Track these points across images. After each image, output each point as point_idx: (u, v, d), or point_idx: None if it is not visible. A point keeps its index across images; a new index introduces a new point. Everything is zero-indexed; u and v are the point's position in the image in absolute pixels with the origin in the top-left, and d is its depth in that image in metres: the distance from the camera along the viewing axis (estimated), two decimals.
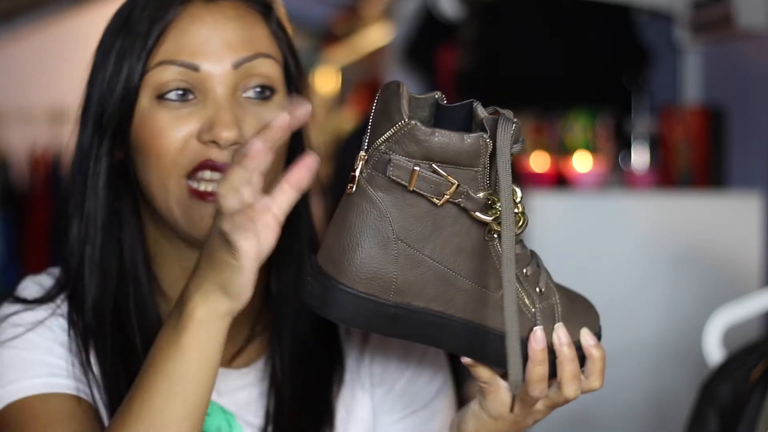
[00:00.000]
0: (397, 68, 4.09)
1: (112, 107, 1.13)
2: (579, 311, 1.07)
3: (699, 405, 1.61)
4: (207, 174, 1.11)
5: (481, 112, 0.98)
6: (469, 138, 0.96)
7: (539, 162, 2.86)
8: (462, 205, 0.97)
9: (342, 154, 4.52)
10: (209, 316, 0.97)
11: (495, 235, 0.99)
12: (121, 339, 1.15)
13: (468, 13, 3.48)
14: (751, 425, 1.49)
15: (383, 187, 0.97)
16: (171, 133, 1.11)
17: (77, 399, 1.11)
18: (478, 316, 0.99)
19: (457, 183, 0.97)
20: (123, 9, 1.16)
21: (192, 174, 1.11)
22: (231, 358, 1.19)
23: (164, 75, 1.12)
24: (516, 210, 1.00)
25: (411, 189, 0.97)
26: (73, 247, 1.16)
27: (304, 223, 1.21)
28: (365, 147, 0.98)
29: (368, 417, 1.22)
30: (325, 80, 5.52)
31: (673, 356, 2.54)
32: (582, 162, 2.80)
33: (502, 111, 0.98)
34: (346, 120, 4.98)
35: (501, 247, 0.97)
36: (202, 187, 1.11)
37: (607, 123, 2.86)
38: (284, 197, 0.95)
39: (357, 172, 0.98)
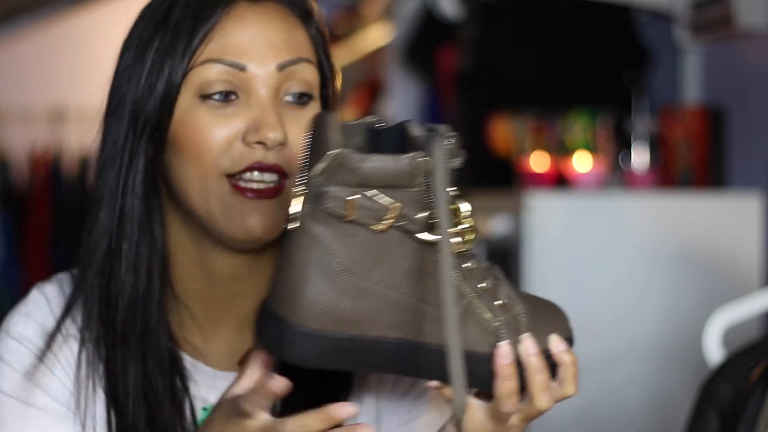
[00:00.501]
0: (397, 68, 4.09)
1: (151, 105, 1.12)
2: (546, 318, 1.03)
3: (699, 405, 1.61)
4: (256, 174, 1.10)
5: (414, 130, 0.97)
6: (403, 159, 0.95)
7: (539, 162, 2.86)
8: (405, 227, 0.96)
9: None
10: None
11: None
12: (143, 333, 1.15)
13: (468, 13, 3.48)
14: (751, 425, 1.49)
15: (323, 220, 0.96)
16: (213, 132, 1.10)
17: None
18: (441, 338, 0.97)
19: (398, 205, 0.95)
20: (158, 6, 1.16)
21: (237, 175, 1.11)
22: (241, 358, 1.19)
23: (209, 74, 1.11)
24: (465, 225, 0.98)
25: (349, 219, 0.95)
26: (100, 244, 1.15)
27: None
28: (303, 182, 0.97)
29: (374, 422, 1.22)
30: None
31: (673, 356, 2.54)
32: (582, 162, 2.80)
33: (436, 127, 0.97)
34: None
35: (440, 265, 0.95)
36: (244, 184, 1.10)
37: (607, 123, 2.86)
38: None
39: (296, 209, 0.97)
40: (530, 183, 2.81)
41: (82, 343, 1.15)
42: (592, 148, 2.84)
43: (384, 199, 0.95)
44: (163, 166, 1.15)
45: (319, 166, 0.96)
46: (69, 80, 5.47)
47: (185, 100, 1.12)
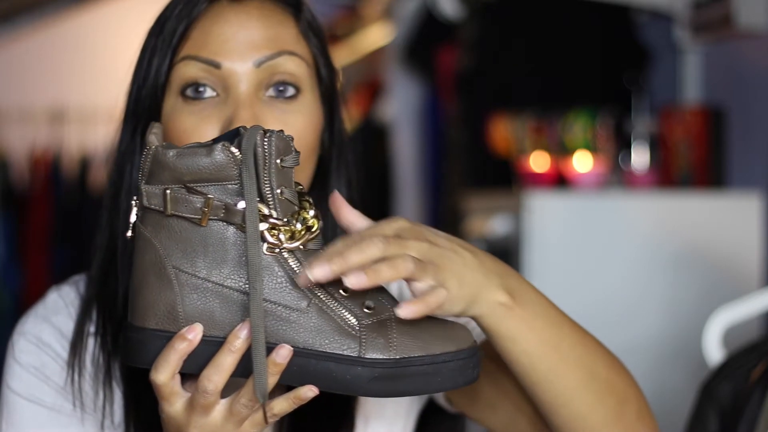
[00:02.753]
0: (397, 68, 4.09)
1: (141, 105, 1.14)
2: (430, 329, 0.98)
3: (699, 405, 1.61)
4: None
5: (242, 130, 0.98)
6: (215, 153, 0.95)
7: (539, 162, 2.86)
8: (227, 220, 0.96)
9: None
10: None
11: (277, 249, 0.96)
12: None
13: (468, 13, 3.48)
14: (751, 425, 1.49)
15: (150, 220, 0.97)
16: (195, 132, 1.11)
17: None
18: (278, 337, 0.96)
19: (211, 198, 0.95)
20: (162, 11, 1.17)
21: None
22: None
23: (187, 71, 1.12)
24: (303, 224, 0.97)
25: (169, 213, 0.96)
26: (103, 241, 1.17)
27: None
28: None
29: (387, 428, 1.22)
30: None
31: (673, 356, 2.54)
32: (582, 162, 2.80)
33: (258, 127, 0.97)
34: (346, 120, 4.97)
35: (248, 255, 0.94)
36: None
37: (607, 123, 2.86)
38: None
39: (132, 218, 0.99)
40: (530, 183, 2.81)
41: (101, 340, 1.16)
42: (592, 148, 2.84)
43: (197, 193, 0.96)
44: None
45: (143, 169, 0.97)
46: (69, 80, 5.48)
47: (171, 100, 1.13)
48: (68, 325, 1.17)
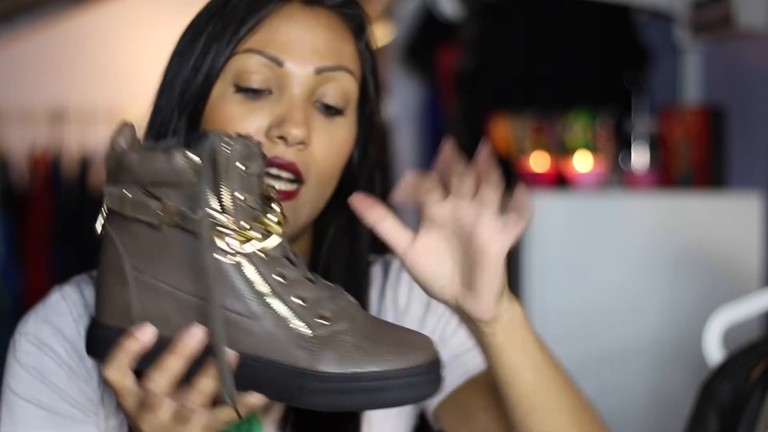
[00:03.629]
0: (397, 68, 4.09)
1: (194, 86, 1.14)
2: (386, 343, 0.97)
3: (699, 405, 1.61)
4: (273, 171, 1.11)
5: (203, 135, 0.98)
6: (174, 158, 0.95)
7: (539, 162, 2.86)
8: (183, 226, 0.96)
9: None
10: None
11: (229, 255, 0.96)
12: None
13: (468, 13, 3.48)
14: (751, 425, 1.49)
15: (114, 221, 0.98)
16: (240, 124, 1.11)
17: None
18: (230, 342, 0.96)
19: (168, 204, 0.96)
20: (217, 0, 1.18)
21: None
22: None
23: (248, 63, 1.12)
24: (269, 224, 0.98)
25: (129, 215, 0.97)
26: None
27: (365, 235, 1.22)
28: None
29: (394, 420, 1.22)
30: None
31: (673, 356, 2.54)
32: (582, 162, 2.80)
33: (228, 134, 0.97)
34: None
35: (203, 262, 0.94)
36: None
37: (607, 123, 2.86)
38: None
39: (100, 216, 1.00)
40: (530, 183, 2.81)
41: None
42: (592, 148, 2.84)
43: (154, 197, 0.96)
44: None
45: (107, 168, 0.98)
46: (69, 80, 5.47)
47: (221, 87, 1.13)
48: (70, 326, 1.17)
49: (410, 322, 1.23)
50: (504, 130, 3.07)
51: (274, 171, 1.10)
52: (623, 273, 2.57)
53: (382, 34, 4.37)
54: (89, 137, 5.18)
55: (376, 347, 0.95)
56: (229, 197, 0.96)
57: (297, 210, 1.13)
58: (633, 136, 2.93)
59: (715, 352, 1.83)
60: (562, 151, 2.87)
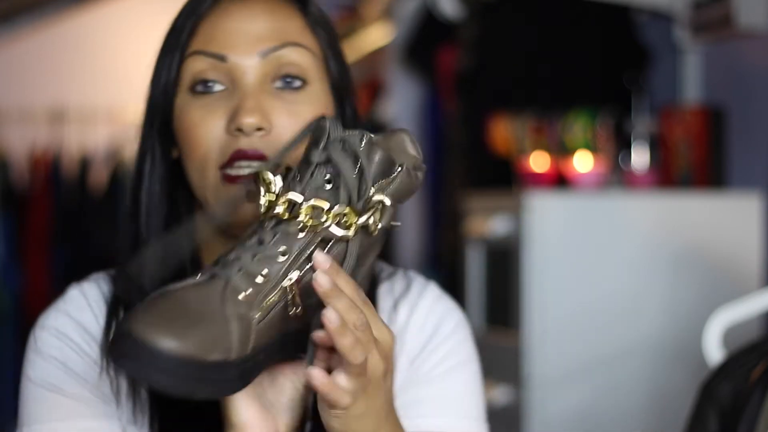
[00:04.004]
0: (397, 68, 4.08)
1: (155, 99, 1.16)
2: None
3: (699, 405, 1.61)
4: (243, 163, 1.11)
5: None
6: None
7: (539, 162, 2.86)
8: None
9: None
10: None
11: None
12: None
13: (468, 13, 3.47)
14: (751, 425, 1.49)
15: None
16: (202, 126, 1.12)
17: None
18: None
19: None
20: (178, 12, 1.19)
21: (227, 165, 1.12)
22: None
23: (195, 66, 1.14)
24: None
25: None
26: (127, 246, 1.17)
27: None
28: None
29: None
30: None
31: (673, 356, 2.54)
32: (582, 162, 2.80)
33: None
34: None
35: None
36: (234, 172, 1.11)
37: (607, 123, 2.86)
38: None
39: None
40: (530, 183, 2.81)
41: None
42: (592, 148, 2.84)
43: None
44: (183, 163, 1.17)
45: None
46: (69, 80, 5.47)
47: (181, 96, 1.15)
48: (91, 321, 1.17)
49: (411, 341, 1.22)
50: (504, 130, 3.07)
51: (244, 164, 1.10)
52: (623, 273, 2.57)
53: (382, 34, 4.37)
54: (89, 137, 5.18)
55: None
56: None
57: None
58: (633, 136, 2.93)
59: (715, 352, 1.83)
60: (562, 151, 2.87)
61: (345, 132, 0.99)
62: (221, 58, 1.13)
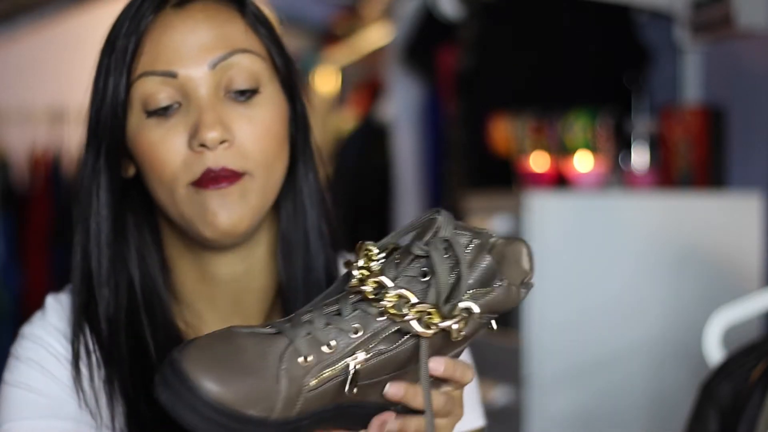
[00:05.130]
0: (397, 68, 4.08)
1: (102, 124, 1.14)
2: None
3: (699, 405, 1.61)
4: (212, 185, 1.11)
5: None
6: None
7: (539, 162, 2.86)
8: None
9: (341, 154, 4.52)
10: None
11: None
12: (134, 346, 1.15)
13: (468, 13, 3.47)
14: (751, 425, 1.49)
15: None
16: (164, 147, 1.11)
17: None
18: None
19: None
20: (112, 27, 1.17)
21: (198, 182, 1.11)
22: None
23: (146, 87, 1.12)
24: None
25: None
26: (77, 263, 1.16)
27: (314, 210, 1.21)
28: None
29: None
30: (325, 80, 5.52)
31: (673, 356, 2.54)
32: (582, 162, 2.80)
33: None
34: (346, 120, 4.98)
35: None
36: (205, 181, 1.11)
37: (607, 123, 2.86)
38: None
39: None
40: (530, 183, 2.81)
41: (90, 355, 1.16)
42: (592, 148, 2.84)
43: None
44: (145, 181, 1.16)
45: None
46: (69, 80, 5.46)
47: (134, 118, 1.13)
48: (65, 325, 1.17)
49: None
50: (504, 130, 3.07)
51: (212, 186, 1.10)
52: (623, 273, 2.57)
53: (382, 34, 4.37)
54: None
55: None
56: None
57: (249, 198, 1.12)
58: (633, 136, 2.93)
59: (715, 352, 1.83)
60: (562, 151, 2.87)
61: (456, 231, 0.96)
62: (172, 75, 1.11)
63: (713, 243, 2.59)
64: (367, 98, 4.71)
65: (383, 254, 0.97)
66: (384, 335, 0.94)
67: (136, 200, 1.18)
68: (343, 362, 0.93)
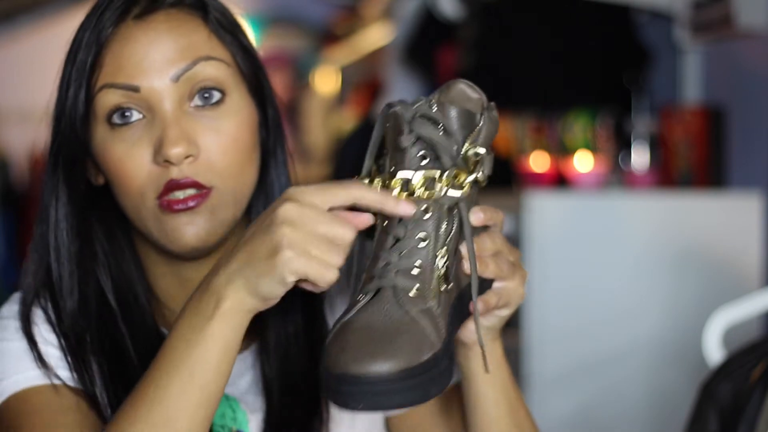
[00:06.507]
0: (397, 68, 4.09)
1: (63, 136, 1.13)
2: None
3: (699, 405, 1.61)
4: (179, 194, 1.10)
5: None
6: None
7: (539, 162, 2.86)
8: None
9: (342, 154, 4.52)
10: (237, 309, 0.97)
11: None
12: (110, 352, 1.14)
13: (468, 13, 3.48)
14: (751, 425, 1.49)
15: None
16: (129, 162, 1.10)
17: (74, 390, 1.11)
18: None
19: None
20: (74, 36, 1.16)
21: (162, 195, 1.10)
22: None
23: (108, 100, 1.10)
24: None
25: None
26: (51, 275, 1.15)
27: None
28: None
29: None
30: (325, 80, 5.52)
31: (673, 356, 2.54)
32: (582, 162, 2.80)
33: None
34: (346, 120, 4.98)
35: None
36: (169, 199, 1.10)
37: (607, 123, 2.86)
38: (349, 236, 0.96)
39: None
40: (530, 183, 2.81)
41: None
42: (592, 148, 2.84)
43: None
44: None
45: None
46: None
47: (99, 131, 1.12)
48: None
49: None
50: (504, 130, 3.07)
51: (179, 194, 1.09)
52: (623, 273, 2.57)
53: (382, 34, 4.37)
54: None
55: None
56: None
57: (217, 213, 1.11)
58: (633, 136, 2.93)
59: (715, 352, 1.83)
60: (562, 151, 2.87)
61: (412, 106, 1.00)
62: (134, 89, 1.09)
63: (713, 243, 2.59)
64: (367, 98, 4.71)
65: (377, 175, 1.01)
66: (444, 223, 0.99)
67: (108, 207, 1.17)
68: (435, 269, 0.98)
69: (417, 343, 0.93)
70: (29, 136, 5.45)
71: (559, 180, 2.82)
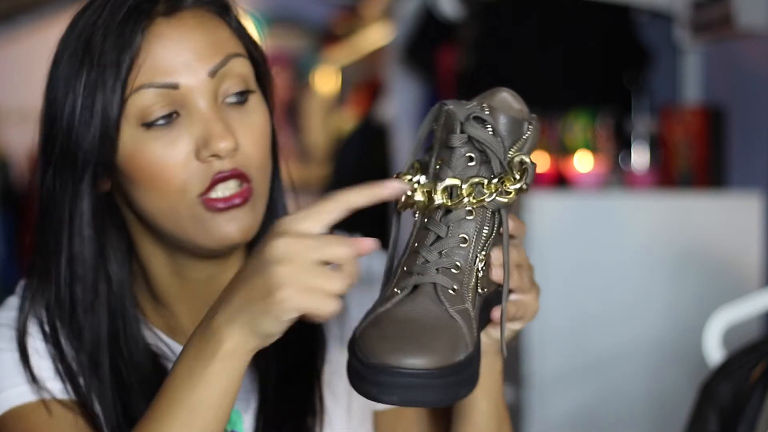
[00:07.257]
0: (397, 68, 4.09)
1: (90, 143, 1.10)
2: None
3: (699, 405, 1.61)
4: (219, 188, 1.10)
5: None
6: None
7: (539, 162, 2.86)
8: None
9: (342, 154, 4.52)
10: (238, 350, 0.97)
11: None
12: (114, 370, 1.15)
13: (468, 13, 3.47)
14: (751, 425, 1.49)
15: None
16: (169, 160, 1.09)
17: (69, 405, 1.11)
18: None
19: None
20: (78, 35, 1.12)
21: (207, 191, 1.10)
22: None
23: (144, 100, 1.09)
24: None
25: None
26: (60, 289, 1.14)
27: (281, 205, 1.22)
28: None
29: (348, 397, 1.23)
30: (325, 80, 5.52)
31: (673, 356, 2.54)
32: (582, 162, 2.80)
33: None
34: (346, 120, 4.98)
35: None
36: (214, 195, 1.10)
37: (607, 123, 2.86)
38: (349, 254, 0.95)
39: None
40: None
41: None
42: (592, 148, 2.84)
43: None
44: (122, 196, 1.14)
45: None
46: None
47: (129, 133, 1.10)
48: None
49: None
50: None
51: (222, 192, 1.10)
52: (623, 273, 2.57)
53: (382, 34, 4.37)
54: None
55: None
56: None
57: (256, 206, 1.13)
58: (633, 136, 2.93)
59: (715, 352, 1.83)
60: (562, 151, 2.87)
61: (465, 108, 1.01)
62: (173, 87, 1.09)
63: (713, 243, 2.59)
64: (367, 98, 4.71)
65: (419, 172, 1.02)
66: (487, 226, 1.00)
67: (111, 219, 1.17)
68: (474, 270, 0.99)
69: (454, 342, 0.94)
70: (29, 136, 5.43)
71: (559, 180, 2.82)
